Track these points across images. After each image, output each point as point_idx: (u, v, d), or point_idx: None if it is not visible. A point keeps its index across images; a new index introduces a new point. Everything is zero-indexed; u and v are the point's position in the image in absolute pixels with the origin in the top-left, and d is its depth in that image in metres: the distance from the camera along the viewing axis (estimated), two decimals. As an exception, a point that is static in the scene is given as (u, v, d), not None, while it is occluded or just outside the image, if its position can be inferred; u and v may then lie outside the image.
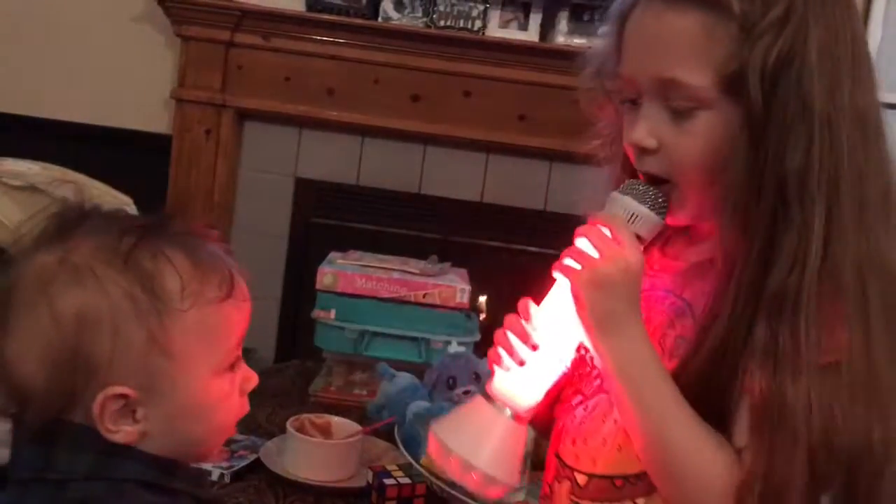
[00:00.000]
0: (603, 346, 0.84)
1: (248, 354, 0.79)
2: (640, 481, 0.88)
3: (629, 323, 0.83)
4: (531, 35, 2.81)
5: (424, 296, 1.97)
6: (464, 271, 2.12)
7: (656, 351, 0.86)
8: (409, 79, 2.81)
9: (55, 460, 0.70)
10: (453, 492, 1.37)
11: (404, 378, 1.74)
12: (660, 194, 0.86)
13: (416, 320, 1.95)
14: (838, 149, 0.80)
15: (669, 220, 0.88)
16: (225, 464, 1.49)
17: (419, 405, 1.65)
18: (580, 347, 0.92)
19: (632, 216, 0.85)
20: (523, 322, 0.87)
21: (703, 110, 0.82)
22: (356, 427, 1.55)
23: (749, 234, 0.81)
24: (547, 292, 0.89)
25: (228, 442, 1.56)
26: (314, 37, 2.80)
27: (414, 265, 2.08)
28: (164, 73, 2.92)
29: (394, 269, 2.04)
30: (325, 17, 2.78)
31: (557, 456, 0.98)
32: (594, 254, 0.83)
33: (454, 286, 2.00)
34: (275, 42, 2.81)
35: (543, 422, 1.00)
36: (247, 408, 0.79)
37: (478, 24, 2.80)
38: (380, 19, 2.80)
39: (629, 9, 0.87)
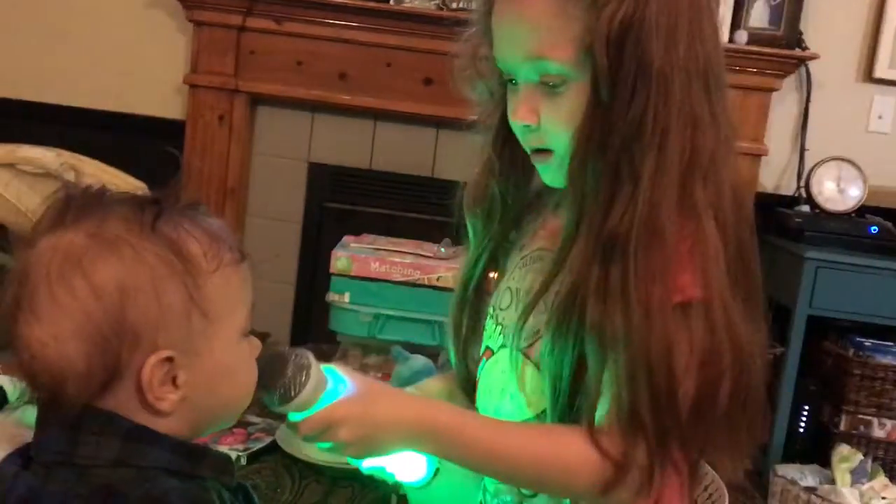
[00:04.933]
0: (422, 451, 0.92)
1: (263, 339, 0.80)
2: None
3: (407, 436, 0.88)
4: (544, 16, 2.79)
5: (438, 279, 1.97)
6: (477, 254, 2.11)
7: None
8: (422, 62, 2.80)
9: (81, 445, 0.70)
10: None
11: (418, 360, 1.74)
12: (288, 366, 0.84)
13: (430, 303, 1.96)
14: (670, 102, 0.86)
15: (552, 183, 0.95)
16: (241, 446, 1.50)
17: (434, 387, 1.65)
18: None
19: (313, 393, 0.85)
20: None
21: (571, 82, 0.88)
22: (371, 409, 1.55)
23: (595, 188, 0.88)
24: None
25: (245, 424, 1.58)
26: (326, 21, 2.80)
27: (427, 248, 2.08)
28: (177, 59, 2.92)
29: (407, 253, 2.04)
30: (338, 0, 2.77)
31: (477, 407, 1.05)
32: (333, 440, 0.87)
33: (468, 269, 1.99)
34: (287, 26, 2.81)
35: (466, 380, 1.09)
36: (256, 371, 0.81)
37: (490, 6, 2.78)
38: (392, 2, 2.79)
39: None
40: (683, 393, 0.85)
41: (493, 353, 1.02)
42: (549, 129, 0.91)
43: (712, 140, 0.88)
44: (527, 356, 0.96)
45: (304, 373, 0.84)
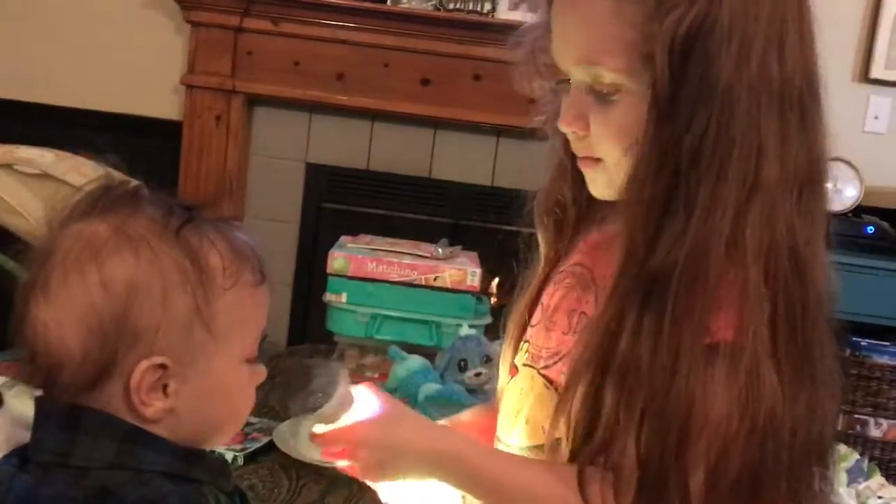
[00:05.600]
0: (437, 480, 0.87)
1: (262, 339, 0.80)
2: (541, 454, 0.89)
3: (421, 464, 0.86)
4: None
5: (435, 279, 1.98)
6: (474, 254, 2.12)
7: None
8: (419, 62, 2.81)
9: (78, 446, 0.70)
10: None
11: (415, 361, 1.75)
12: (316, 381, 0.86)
13: (427, 303, 1.96)
14: (734, 125, 0.77)
15: (599, 195, 0.88)
16: (238, 446, 1.51)
17: (431, 387, 1.66)
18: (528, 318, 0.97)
19: (338, 410, 0.86)
20: None
21: (625, 91, 0.81)
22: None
23: (644, 214, 0.79)
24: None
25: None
26: (323, 21, 2.80)
27: (425, 249, 2.08)
28: (174, 60, 2.92)
29: (404, 253, 2.05)
30: (335, 0, 2.77)
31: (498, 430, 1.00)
32: (352, 459, 0.86)
33: (465, 269, 2.00)
34: (284, 27, 2.81)
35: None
36: (254, 400, 0.81)
37: (487, 6, 2.79)
38: (389, 2, 2.79)
39: None
40: (701, 451, 0.77)
41: (517, 371, 0.96)
42: (599, 139, 0.84)
43: (776, 173, 0.78)
44: (546, 378, 0.90)
45: (332, 387, 0.84)
